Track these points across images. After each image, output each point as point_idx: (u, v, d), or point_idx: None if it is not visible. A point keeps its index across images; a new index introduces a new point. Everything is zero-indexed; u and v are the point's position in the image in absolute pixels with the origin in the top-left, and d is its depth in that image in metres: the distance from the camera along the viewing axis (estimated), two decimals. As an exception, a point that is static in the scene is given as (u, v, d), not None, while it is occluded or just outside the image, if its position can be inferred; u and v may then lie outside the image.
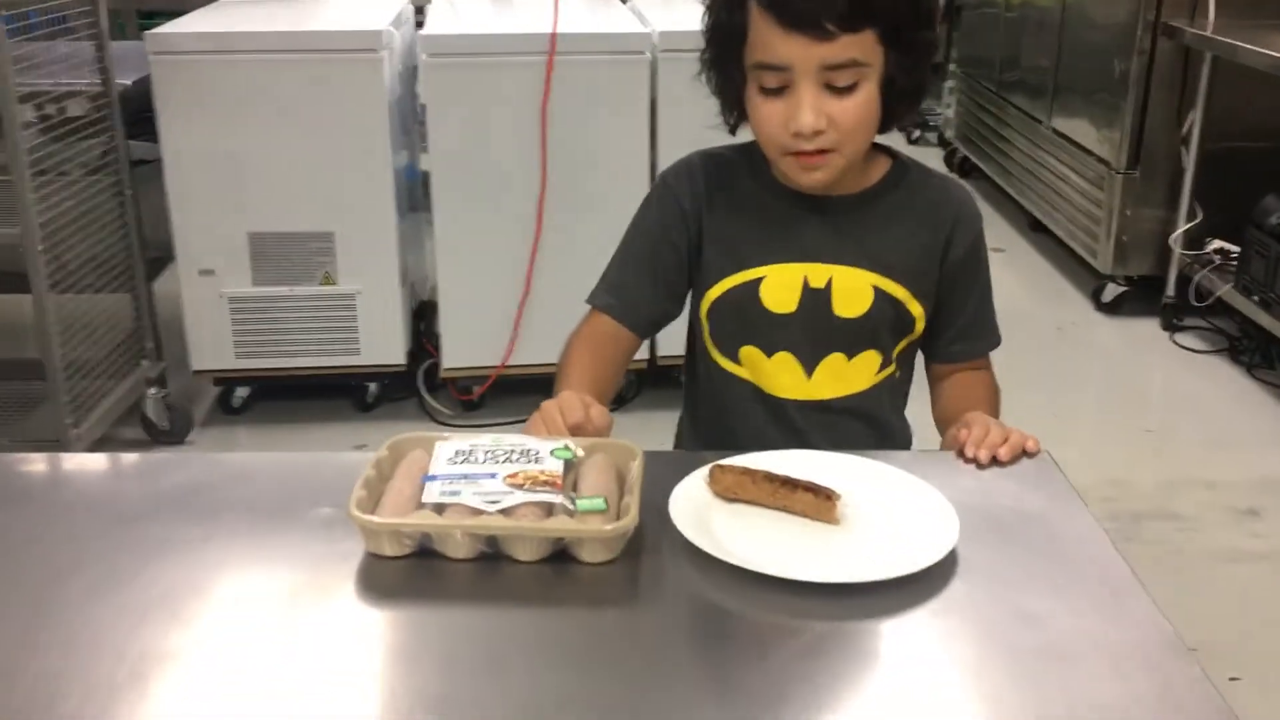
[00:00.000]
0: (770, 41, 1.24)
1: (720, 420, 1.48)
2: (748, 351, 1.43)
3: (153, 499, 1.18)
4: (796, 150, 1.28)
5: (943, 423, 1.44)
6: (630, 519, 1.04)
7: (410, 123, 3.29)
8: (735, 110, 1.36)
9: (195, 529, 1.11)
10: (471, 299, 3.08)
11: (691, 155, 1.46)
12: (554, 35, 2.86)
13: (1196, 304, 3.76)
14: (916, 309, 1.42)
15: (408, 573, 1.05)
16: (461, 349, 3.12)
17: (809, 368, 1.41)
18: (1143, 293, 3.96)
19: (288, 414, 3.22)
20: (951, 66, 5.93)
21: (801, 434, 1.43)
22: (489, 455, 1.11)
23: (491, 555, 1.06)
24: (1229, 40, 3.41)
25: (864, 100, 1.27)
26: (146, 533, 1.11)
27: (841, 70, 1.24)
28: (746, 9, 1.25)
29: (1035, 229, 4.75)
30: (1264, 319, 3.40)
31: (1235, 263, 3.64)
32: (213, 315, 3.02)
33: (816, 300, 1.38)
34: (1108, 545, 1.10)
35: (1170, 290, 3.88)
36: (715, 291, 1.42)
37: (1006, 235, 4.90)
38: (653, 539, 1.08)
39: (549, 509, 1.05)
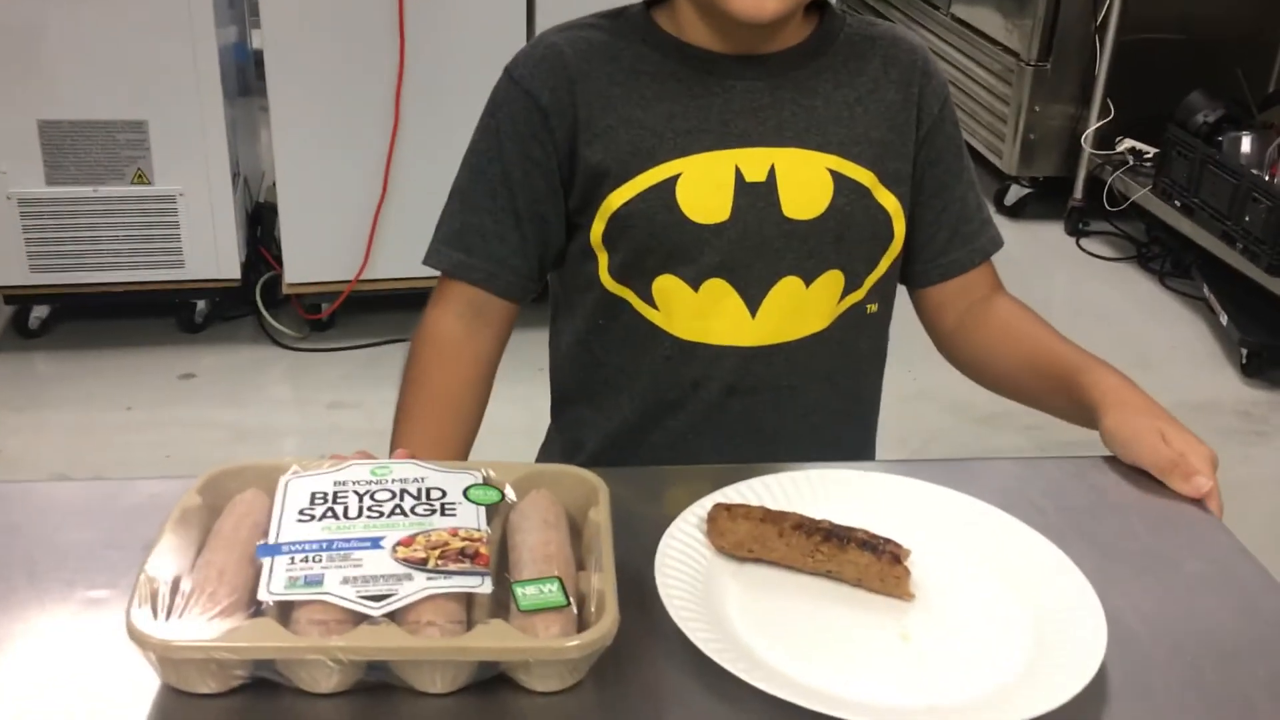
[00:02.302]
0: None
1: (618, 389, 1.11)
2: (665, 285, 1.05)
3: None
4: None
5: (1015, 375, 1.10)
6: (606, 624, 0.64)
7: (238, -9, 2.94)
8: None
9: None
10: (318, 202, 2.74)
11: (546, 33, 1.10)
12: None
13: (1109, 208, 3.55)
14: (889, 200, 1.07)
15: (233, 718, 0.64)
16: (307, 260, 2.79)
17: (753, 301, 1.05)
18: (1047, 195, 3.77)
19: (98, 337, 2.84)
20: (835, -56, 5.58)
21: (741, 397, 1.08)
22: (367, 501, 0.70)
23: (379, 685, 0.65)
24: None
25: None
26: None
27: None
28: None
29: (929, 124, 4.49)
30: (1185, 225, 3.25)
31: (1148, 164, 3.47)
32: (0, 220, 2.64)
33: (757, 199, 1.04)
34: None
35: (1078, 193, 3.69)
36: (613, 204, 1.04)
37: (899, 130, 4.64)
38: (633, 639, 0.68)
39: (469, 602, 0.65)
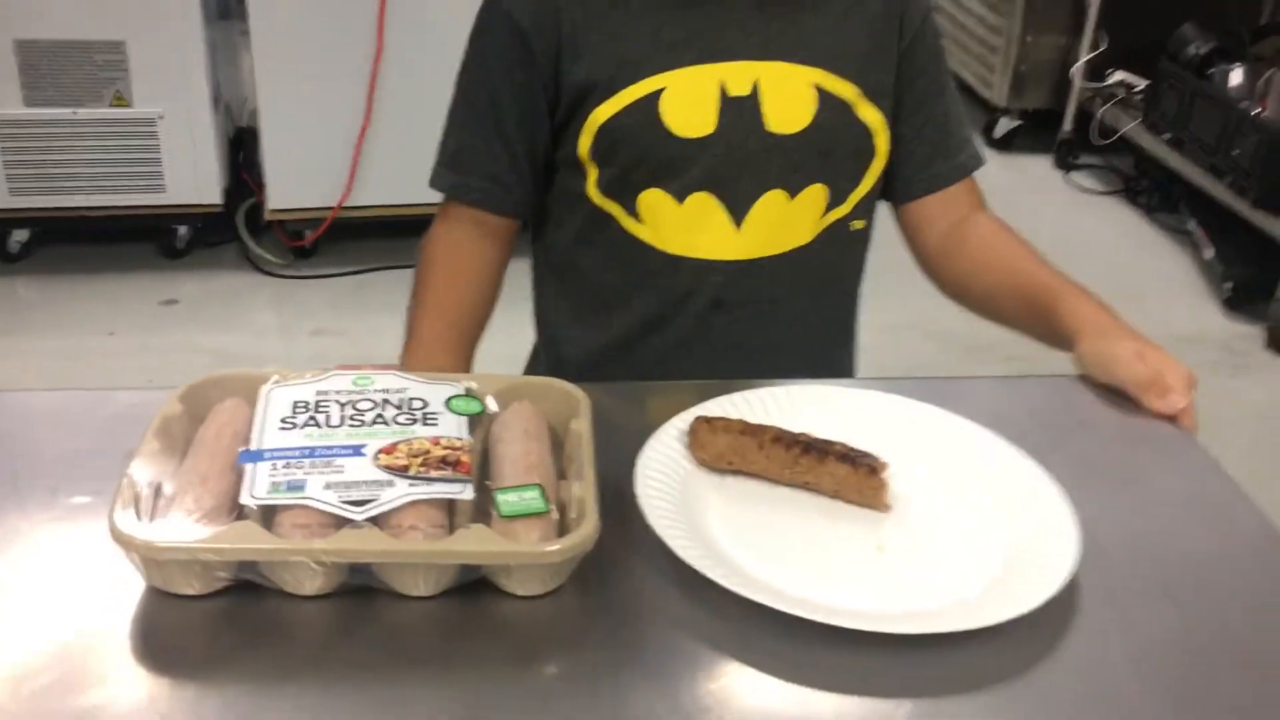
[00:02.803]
0: None
1: (606, 304, 1.12)
2: (651, 199, 1.06)
3: None
4: None
5: (994, 296, 1.10)
6: (586, 529, 0.65)
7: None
8: None
9: None
10: (301, 126, 2.69)
11: None
12: None
13: (1098, 142, 3.54)
14: (872, 115, 1.08)
15: (220, 621, 0.64)
16: (290, 186, 2.74)
17: (738, 214, 1.06)
18: (1036, 127, 3.74)
19: (78, 262, 2.81)
20: None
21: (725, 311, 1.09)
22: (348, 410, 0.70)
23: (362, 589, 0.66)
24: None
25: None
26: None
27: None
28: None
29: (919, 54, 4.45)
30: (1173, 159, 3.24)
31: (1140, 97, 3.44)
32: (-26, 142, 2.56)
33: (740, 113, 1.04)
34: (1272, 532, 0.76)
35: (1067, 125, 3.67)
36: (598, 118, 1.04)
37: (888, 60, 4.60)
38: (613, 547, 0.69)
39: (450, 509, 0.66)
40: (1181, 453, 0.85)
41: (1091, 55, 3.52)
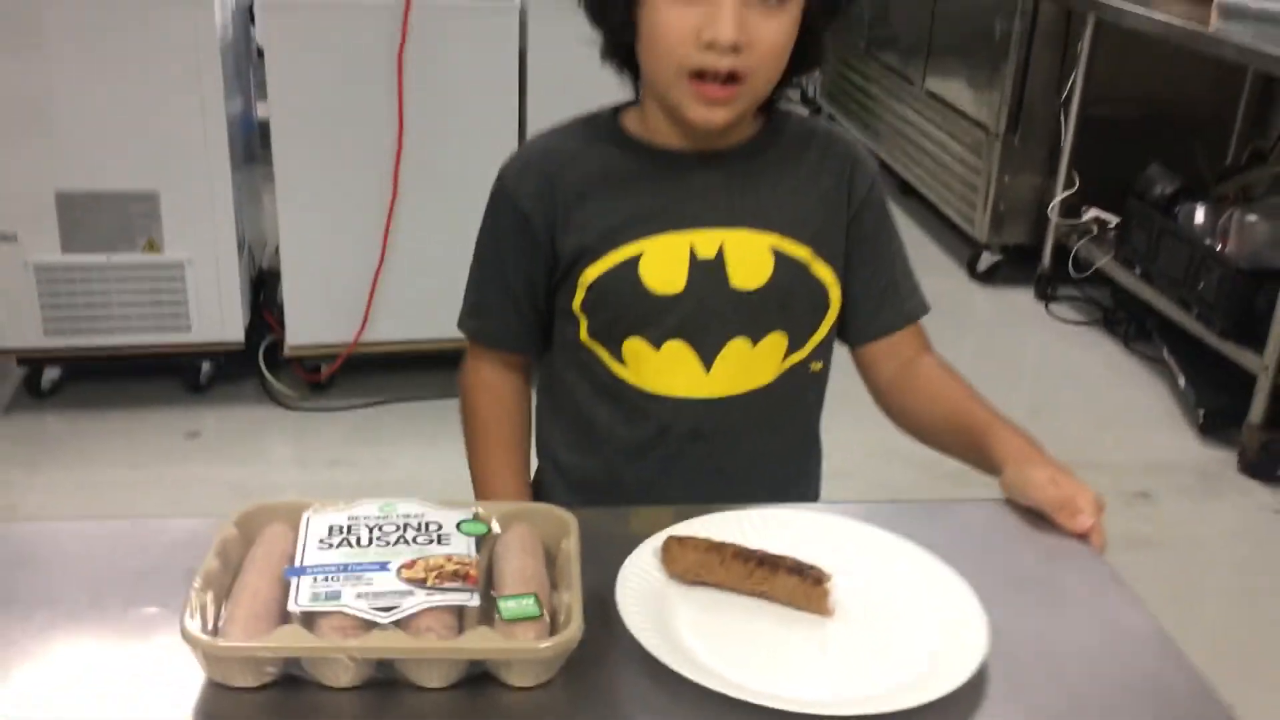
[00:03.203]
0: None
1: (595, 435, 1.27)
2: (633, 345, 1.21)
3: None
4: (702, 70, 1.10)
5: (935, 430, 1.24)
6: (572, 631, 0.78)
7: (244, 65, 3.05)
8: (620, 27, 1.15)
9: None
10: (319, 267, 2.84)
11: (528, 143, 1.30)
12: (412, -23, 2.57)
13: (1075, 275, 3.69)
14: (825, 272, 1.22)
15: (268, 708, 0.77)
16: (308, 324, 2.87)
17: (707, 359, 1.20)
18: (1017, 262, 3.89)
19: (107, 397, 2.92)
20: (817, 20, 5.77)
21: (699, 442, 1.23)
22: (376, 533, 0.83)
23: (386, 681, 0.79)
24: (1114, 3, 3.32)
25: (788, 25, 1.12)
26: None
27: None
28: None
29: (906, 193, 4.63)
30: (1146, 292, 3.35)
31: (1112, 232, 3.59)
32: (15, 287, 2.70)
33: (708, 273, 1.19)
34: (1172, 646, 0.89)
35: (1046, 260, 3.81)
36: (587, 278, 1.20)
37: (876, 199, 4.77)
38: (597, 647, 0.82)
39: (460, 614, 0.79)
40: (1088, 566, 0.97)
41: (1066, 194, 3.67)
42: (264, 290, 3.09)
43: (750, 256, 1.19)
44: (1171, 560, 2.59)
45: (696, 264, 1.18)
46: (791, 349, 1.23)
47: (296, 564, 0.82)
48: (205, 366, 2.93)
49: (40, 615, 0.84)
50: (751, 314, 1.20)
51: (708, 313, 1.19)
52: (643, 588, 0.88)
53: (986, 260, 3.93)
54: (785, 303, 1.21)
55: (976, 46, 3.91)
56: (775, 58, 1.12)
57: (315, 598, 0.78)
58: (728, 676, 0.80)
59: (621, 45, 1.17)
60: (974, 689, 0.79)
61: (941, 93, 4.21)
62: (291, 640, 0.76)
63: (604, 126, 1.24)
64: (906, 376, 1.26)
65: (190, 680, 0.78)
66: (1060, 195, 3.69)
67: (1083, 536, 1.02)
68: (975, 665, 0.80)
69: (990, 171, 3.83)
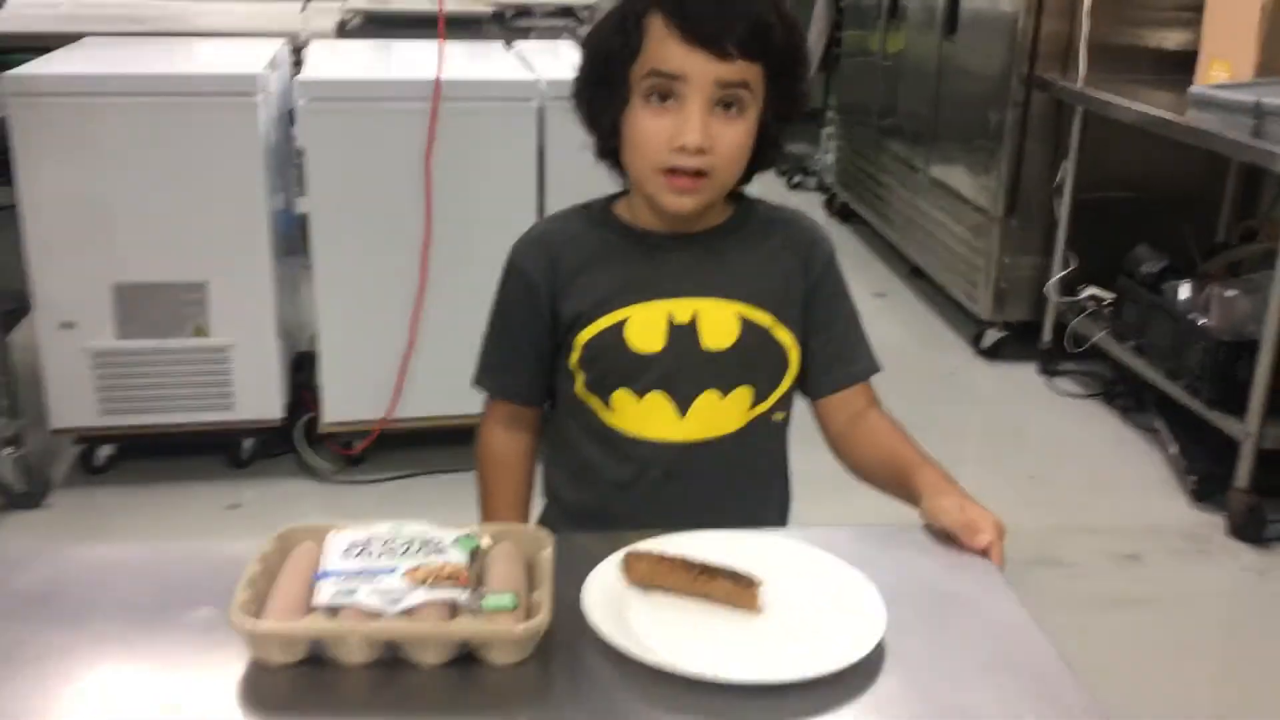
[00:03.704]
0: (670, 54, 1.28)
1: (589, 473, 1.46)
2: (619, 396, 1.41)
3: (5, 600, 1.07)
4: (674, 168, 1.30)
5: (874, 472, 1.41)
6: (542, 618, 0.97)
7: (286, 165, 3.22)
8: (609, 133, 1.37)
9: (55, 635, 1.01)
10: (353, 350, 2.99)
11: (536, 225, 1.50)
12: (438, 82, 2.80)
13: (1072, 350, 3.83)
14: (784, 336, 1.42)
15: (298, 682, 0.96)
16: (343, 402, 3.03)
17: (682, 407, 1.40)
18: (1020, 338, 4.03)
19: (155, 473, 3.06)
20: (830, 113, 6.02)
21: (676, 480, 1.41)
22: (387, 548, 1.03)
23: (391, 660, 0.98)
24: (1099, 95, 3.51)
25: (746, 130, 1.32)
26: (-1, 639, 1.00)
27: (733, 89, 1.29)
28: (645, 23, 1.30)
29: (915, 275, 4.82)
30: (1137, 364, 3.47)
31: (1109, 309, 3.73)
32: (74, 370, 2.87)
33: (683, 336, 1.38)
34: (1036, 631, 1.07)
35: (1046, 336, 3.95)
36: (582, 339, 1.40)
37: (887, 280, 4.96)
38: (566, 636, 1.01)
39: (453, 606, 0.98)
40: (983, 577, 1.16)
41: (1063, 273, 3.82)
42: (302, 371, 3.21)
43: (720, 322, 1.39)
44: (1160, 618, 2.71)
45: (674, 328, 1.38)
46: (757, 401, 1.42)
47: (322, 570, 1.01)
48: (247, 443, 3.07)
49: (119, 616, 1.05)
50: (721, 371, 1.39)
51: (683, 369, 1.39)
52: (605, 591, 1.06)
53: (990, 337, 4.07)
54: (750, 362, 1.40)
55: (975, 136, 4.09)
56: (735, 157, 1.34)
57: (336, 594, 0.97)
58: (670, 657, 0.98)
59: (610, 147, 1.39)
60: (871, 664, 0.98)
61: (944, 179, 4.38)
62: (316, 625, 0.95)
63: (598, 212, 1.46)
64: (855, 428, 1.45)
65: (237, 659, 0.98)
66: (1057, 275, 3.83)
67: (983, 553, 1.19)
68: (871, 646, 0.99)
69: (991, 253, 3.98)
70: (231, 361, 2.95)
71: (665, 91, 1.29)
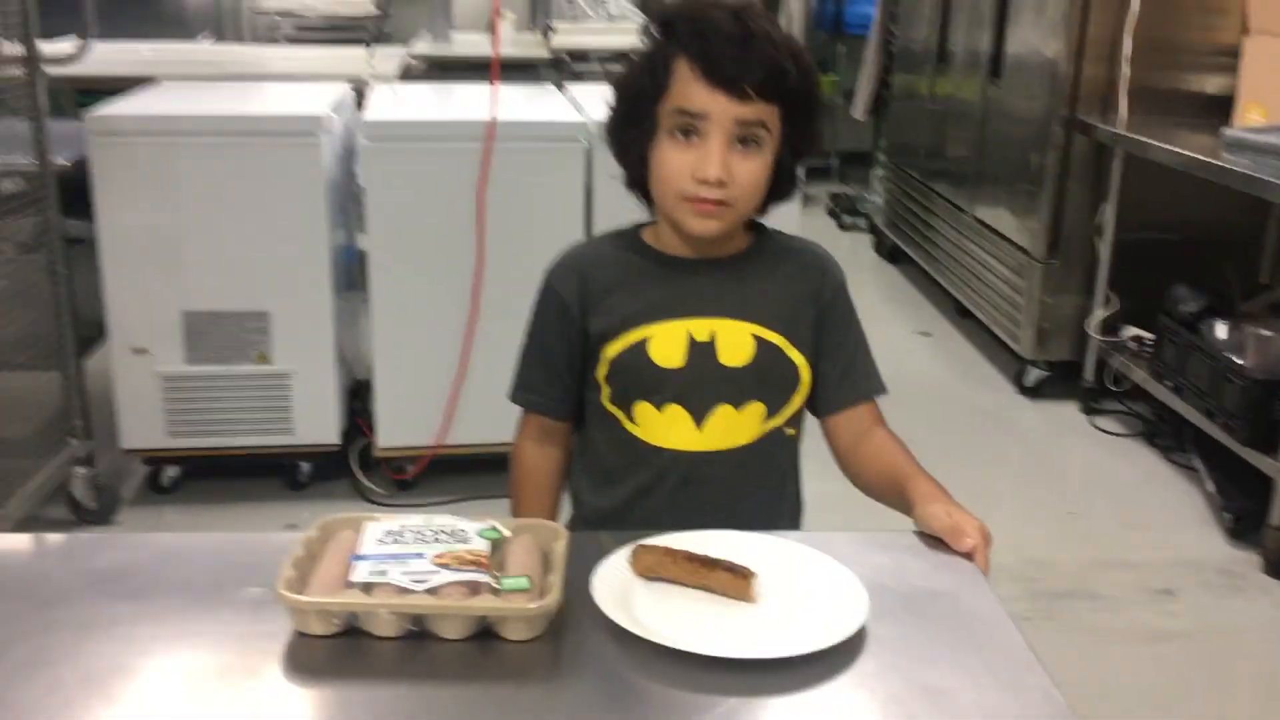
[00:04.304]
0: (694, 93, 1.39)
1: (612, 479, 1.56)
2: (641, 408, 1.51)
3: (80, 579, 1.19)
4: (696, 197, 1.41)
5: (875, 484, 1.49)
6: (553, 597, 1.07)
7: (349, 203, 3.34)
8: (637, 164, 1.49)
9: (123, 608, 1.13)
10: (407, 379, 3.10)
11: (570, 248, 1.60)
12: (492, 123, 2.93)
13: (1113, 389, 3.87)
14: (796, 356, 1.52)
15: (335, 651, 1.07)
16: (396, 428, 3.14)
17: (699, 419, 1.50)
18: (1063, 377, 4.08)
19: (218, 494, 3.19)
20: (880, 156, 6.11)
21: (691, 486, 1.51)
22: (418, 536, 1.14)
23: (418, 634, 1.08)
24: (1139, 137, 3.57)
25: (762, 165, 1.43)
26: (74, 613, 1.13)
27: (751, 127, 1.40)
28: (673, 65, 1.41)
29: (963, 314, 4.87)
30: (1177, 404, 3.51)
31: (1150, 349, 3.77)
32: (145, 394, 3.02)
33: (702, 353, 1.48)
34: (1008, 623, 1.15)
35: (1088, 375, 4.00)
36: (609, 353, 1.51)
37: (934, 320, 5.02)
38: (575, 617, 1.11)
39: (474, 588, 1.09)
40: (966, 576, 1.24)
41: (1104, 314, 3.88)
42: (358, 398, 3.32)
43: (736, 341, 1.49)
44: (1194, 653, 2.74)
45: (693, 345, 1.49)
46: (769, 415, 1.52)
47: (359, 553, 1.12)
48: (304, 466, 3.19)
49: (180, 593, 1.17)
50: (736, 386, 1.50)
51: (701, 383, 1.49)
52: (613, 579, 1.16)
53: (1033, 375, 4.12)
54: (763, 378, 1.51)
55: (1018, 178, 4.18)
56: (752, 189, 1.45)
57: (370, 574, 1.09)
58: (670, 636, 1.08)
59: (639, 177, 1.51)
60: (853, 646, 1.09)
61: (989, 220, 4.45)
62: (351, 598, 1.07)
63: (627, 238, 1.57)
64: (860, 444, 1.54)
65: (281, 631, 1.09)
66: (1099, 314, 3.90)
67: (968, 556, 1.28)
68: (853, 630, 1.09)
69: (1033, 292, 4.04)
70: (292, 388, 3.08)
71: (689, 128, 1.40)
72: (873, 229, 6.17)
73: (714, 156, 1.39)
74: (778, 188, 1.49)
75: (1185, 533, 3.27)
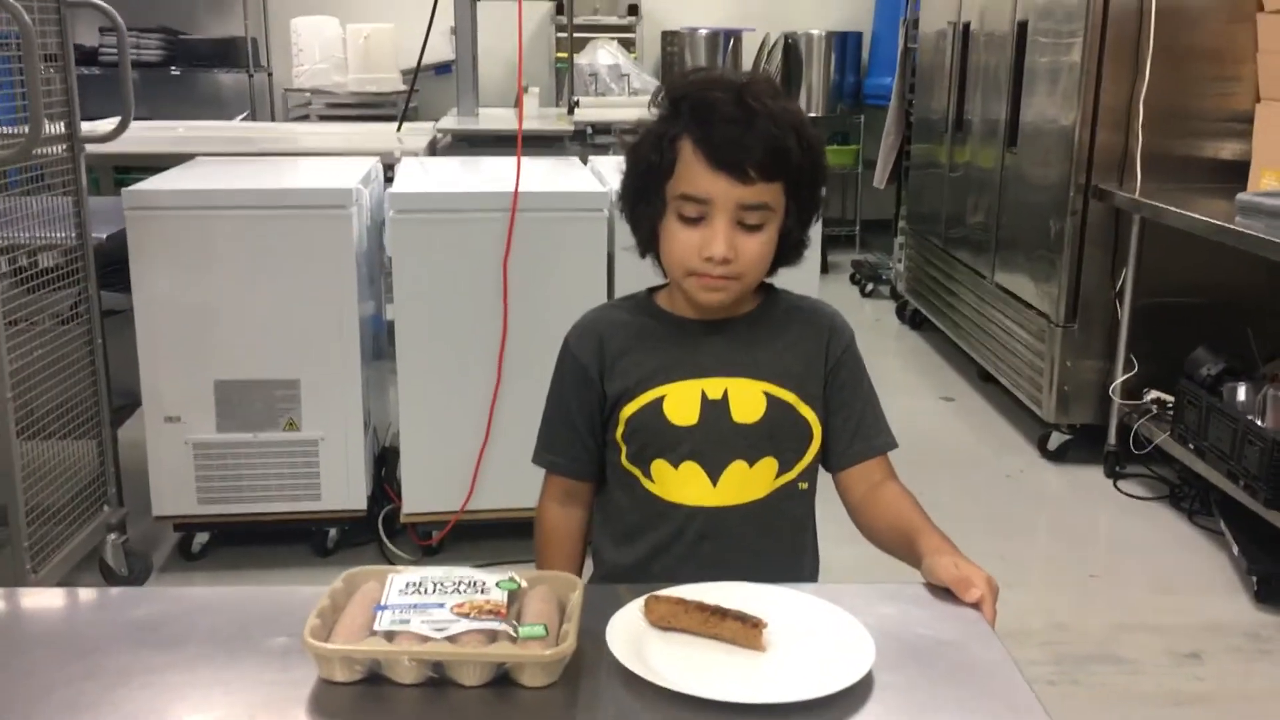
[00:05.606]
0: (697, 177, 1.44)
1: (632, 536, 1.60)
2: (658, 465, 1.55)
3: (117, 630, 1.24)
4: (704, 273, 1.46)
5: (886, 537, 1.52)
6: (569, 644, 1.11)
7: (377, 273, 3.43)
8: (649, 237, 1.54)
9: (158, 657, 1.17)
10: (433, 445, 3.14)
11: (589, 313, 1.65)
12: (516, 194, 3.01)
13: (1136, 452, 3.88)
14: (807, 412, 1.56)
15: (358, 698, 1.11)
16: (422, 494, 3.18)
17: (714, 476, 1.54)
18: (1086, 440, 4.10)
19: (246, 560, 3.24)
20: (901, 223, 6.18)
21: (708, 541, 1.54)
22: (439, 587, 1.18)
23: (438, 680, 1.12)
24: (1155, 203, 3.61)
25: (767, 240, 1.48)
26: (108, 663, 1.17)
27: (753, 210, 1.44)
28: (678, 146, 1.45)
29: (985, 379, 4.90)
30: (1199, 466, 3.52)
31: (1171, 411, 3.78)
32: (176, 461, 3.07)
33: (715, 410, 1.52)
34: (1015, 673, 1.17)
35: (1111, 439, 4.01)
36: (626, 413, 1.56)
37: (956, 385, 5.05)
38: (590, 664, 1.15)
39: (493, 635, 1.12)
40: (973, 626, 1.27)
41: (1125, 377, 3.90)
42: (385, 465, 3.39)
43: (748, 398, 1.54)
44: (1219, 717, 2.72)
45: (707, 403, 1.53)
46: (782, 471, 1.56)
47: (382, 603, 1.17)
48: (332, 532, 3.23)
49: (210, 642, 1.21)
50: (749, 442, 1.54)
51: (714, 440, 1.54)
52: (627, 629, 1.20)
53: (1056, 440, 4.13)
54: (775, 435, 1.55)
55: (1037, 244, 4.22)
56: (758, 263, 1.50)
57: (393, 623, 1.13)
58: (682, 684, 1.11)
59: (651, 248, 1.56)
60: (860, 692, 1.12)
61: (1009, 286, 4.50)
62: (373, 646, 1.11)
63: (642, 302, 1.63)
64: (872, 498, 1.57)
65: (307, 679, 1.13)
66: (1120, 378, 3.92)
67: (976, 606, 1.31)
68: (860, 675, 1.12)
69: (1054, 357, 4.07)
70: (320, 454, 3.12)
71: (694, 212, 1.45)
72: (895, 295, 6.22)
73: (719, 237, 1.44)
74: (785, 254, 1.55)
75: (1211, 596, 3.25)
